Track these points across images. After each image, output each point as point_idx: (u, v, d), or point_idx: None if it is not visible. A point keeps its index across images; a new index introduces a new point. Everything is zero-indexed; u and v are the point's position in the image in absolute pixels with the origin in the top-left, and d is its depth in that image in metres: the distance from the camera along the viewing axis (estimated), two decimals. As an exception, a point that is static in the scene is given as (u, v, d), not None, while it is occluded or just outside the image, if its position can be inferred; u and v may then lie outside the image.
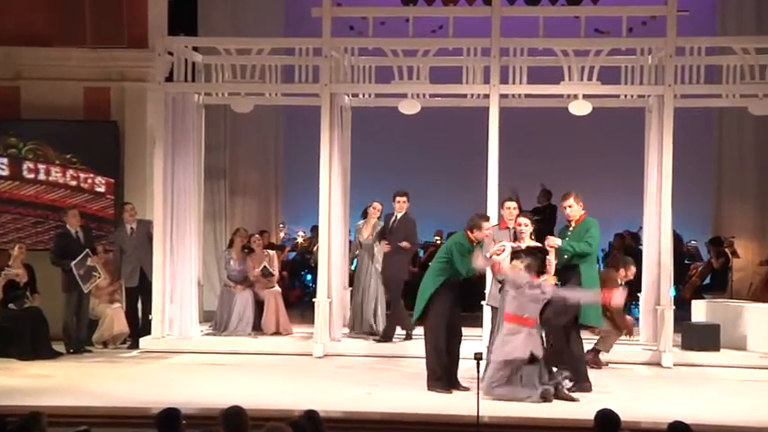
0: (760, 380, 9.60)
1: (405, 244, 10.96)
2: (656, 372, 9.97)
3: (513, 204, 9.37)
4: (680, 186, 10.68)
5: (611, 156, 15.03)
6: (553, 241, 8.57)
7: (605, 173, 14.71)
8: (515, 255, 8.51)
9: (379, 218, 11.45)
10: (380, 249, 11.18)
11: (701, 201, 15.08)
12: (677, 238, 13.79)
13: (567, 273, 8.73)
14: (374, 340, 10.96)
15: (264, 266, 11.56)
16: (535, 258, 8.46)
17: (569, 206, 8.79)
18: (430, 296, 8.61)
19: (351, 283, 11.71)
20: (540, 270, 8.44)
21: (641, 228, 12.14)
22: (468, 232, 8.60)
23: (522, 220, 8.68)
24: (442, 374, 8.58)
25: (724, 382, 9.50)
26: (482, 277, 9.82)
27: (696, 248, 15.26)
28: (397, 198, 11.12)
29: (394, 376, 9.35)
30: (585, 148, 15.34)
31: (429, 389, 8.60)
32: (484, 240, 8.67)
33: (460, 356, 8.73)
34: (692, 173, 14.21)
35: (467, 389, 8.50)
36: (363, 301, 11.31)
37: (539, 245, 8.68)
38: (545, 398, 8.11)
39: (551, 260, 8.53)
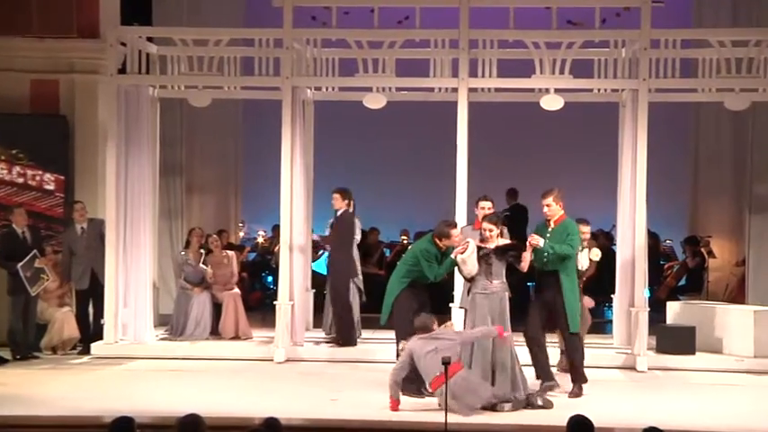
0: (736, 384, 9.73)
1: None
2: (631, 376, 10.07)
3: (487, 204, 9.44)
4: (655, 184, 10.79)
5: (585, 152, 15.14)
6: (536, 240, 8.62)
7: (578, 169, 14.81)
8: (485, 257, 8.54)
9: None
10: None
11: (677, 199, 15.24)
12: (653, 238, 13.95)
13: (546, 279, 8.79)
14: (337, 344, 10.98)
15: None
16: (504, 257, 8.54)
17: (548, 205, 8.85)
18: (395, 299, 8.78)
19: (315, 285, 11.75)
20: (514, 264, 8.54)
21: (614, 226, 12.25)
22: (437, 239, 8.74)
23: (486, 225, 8.70)
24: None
25: (699, 386, 9.61)
26: (450, 278, 9.87)
27: (671, 248, 15.44)
28: (333, 195, 11.20)
29: (359, 382, 9.36)
30: (558, 144, 15.45)
31: (402, 393, 8.58)
32: (453, 246, 8.75)
33: None
34: (667, 170, 14.38)
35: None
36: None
37: (509, 242, 8.74)
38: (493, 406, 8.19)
39: (527, 256, 8.60)
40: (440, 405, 7.73)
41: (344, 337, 10.96)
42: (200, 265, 11.60)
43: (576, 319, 8.76)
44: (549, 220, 8.89)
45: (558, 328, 8.93)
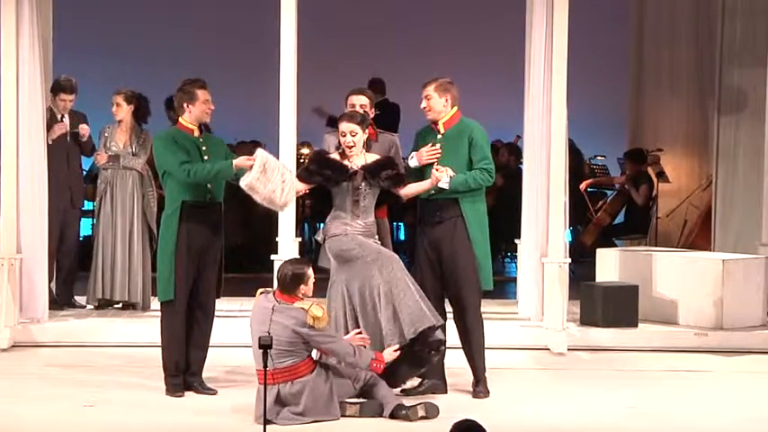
0: (698, 370, 9.97)
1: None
2: (542, 360, 10.25)
3: (361, 101, 9.19)
4: (580, 73, 10.91)
5: (475, 26, 15.27)
6: (438, 178, 8.53)
7: (466, 51, 14.94)
8: (347, 181, 8.47)
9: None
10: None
11: (613, 95, 15.54)
12: (577, 154, 14.15)
13: (437, 212, 8.74)
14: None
15: None
16: (377, 181, 8.52)
17: (426, 97, 8.80)
18: (174, 246, 8.78)
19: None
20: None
21: (520, 137, 12.34)
22: (180, 120, 8.82)
23: (346, 125, 8.62)
24: (179, 371, 8.87)
25: (644, 375, 9.81)
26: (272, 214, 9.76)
27: (605, 168, 15.69)
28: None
29: (129, 378, 9.40)
30: (437, 16, 15.53)
31: (167, 392, 8.85)
32: (205, 117, 8.84)
33: (209, 344, 9.00)
34: (599, 52, 14.62)
35: (212, 392, 8.85)
36: (116, 252, 11.52)
37: (380, 157, 8.64)
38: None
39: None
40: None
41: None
42: None
43: (489, 271, 8.82)
44: (437, 123, 8.83)
45: (453, 290, 8.83)
